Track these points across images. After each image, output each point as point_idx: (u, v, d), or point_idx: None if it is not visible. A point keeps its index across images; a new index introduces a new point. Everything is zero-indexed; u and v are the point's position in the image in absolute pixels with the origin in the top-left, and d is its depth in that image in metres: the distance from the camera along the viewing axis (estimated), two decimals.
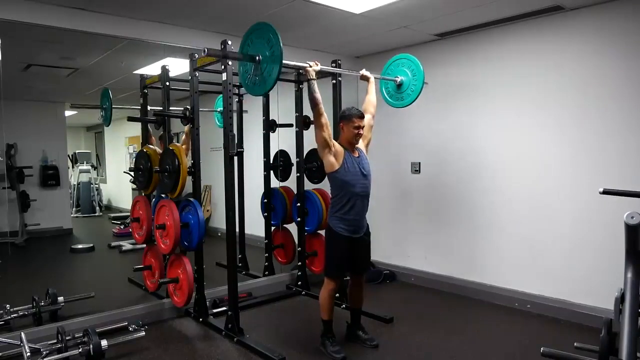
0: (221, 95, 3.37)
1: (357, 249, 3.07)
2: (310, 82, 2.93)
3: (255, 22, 2.91)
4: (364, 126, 3.04)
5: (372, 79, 3.43)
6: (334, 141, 2.96)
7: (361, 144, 3.16)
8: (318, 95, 2.91)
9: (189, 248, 3.62)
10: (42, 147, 7.63)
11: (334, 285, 3.08)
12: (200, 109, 3.77)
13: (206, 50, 2.73)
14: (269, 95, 4.81)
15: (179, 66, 4.48)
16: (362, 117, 3.03)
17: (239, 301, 3.46)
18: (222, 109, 3.52)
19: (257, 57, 2.83)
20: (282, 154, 4.71)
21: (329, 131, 2.93)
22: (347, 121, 3.01)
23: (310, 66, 3.00)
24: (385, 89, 3.73)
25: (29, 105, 7.21)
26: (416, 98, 3.57)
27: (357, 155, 3.07)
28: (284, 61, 2.71)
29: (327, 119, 2.94)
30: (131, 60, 4.76)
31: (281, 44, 2.69)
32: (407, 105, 3.66)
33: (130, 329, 3.31)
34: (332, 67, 4.05)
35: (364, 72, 3.44)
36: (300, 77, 4.45)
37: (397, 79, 3.64)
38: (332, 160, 2.95)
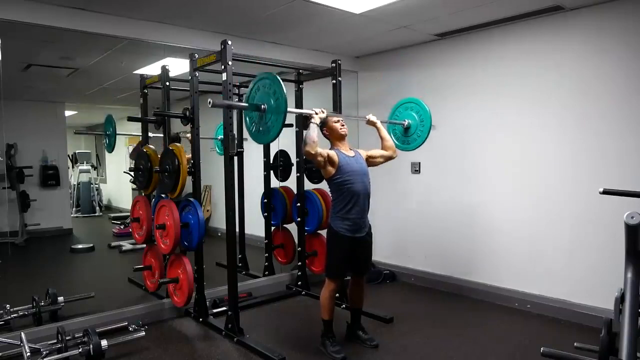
0: (222, 123, 3.39)
1: (359, 249, 3.07)
2: (312, 126, 2.88)
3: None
4: (342, 119, 3.16)
5: (378, 124, 3.33)
6: (325, 152, 2.93)
7: (362, 152, 3.19)
8: (315, 136, 2.84)
9: (189, 248, 3.62)
10: (42, 147, 7.64)
11: (334, 286, 3.08)
12: (201, 137, 3.74)
13: (211, 102, 2.71)
14: None
15: (179, 66, 4.49)
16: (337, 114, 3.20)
17: (239, 301, 3.46)
18: (222, 136, 3.53)
19: (262, 107, 2.83)
20: (282, 154, 4.71)
21: (322, 153, 2.90)
22: (327, 123, 3.13)
23: (317, 113, 2.94)
24: (393, 132, 3.64)
25: (29, 105, 7.22)
26: (423, 142, 3.50)
27: (352, 154, 3.10)
28: (289, 109, 2.73)
29: (319, 149, 2.87)
30: (131, 60, 4.76)
31: (285, 95, 2.70)
32: (414, 149, 3.58)
33: (130, 329, 3.30)
34: (331, 66, 4.06)
35: (370, 117, 3.33)
36: (300, 77, 4.46)
37: (404, 122, 3.55)
38: (329, 169, 2.97)
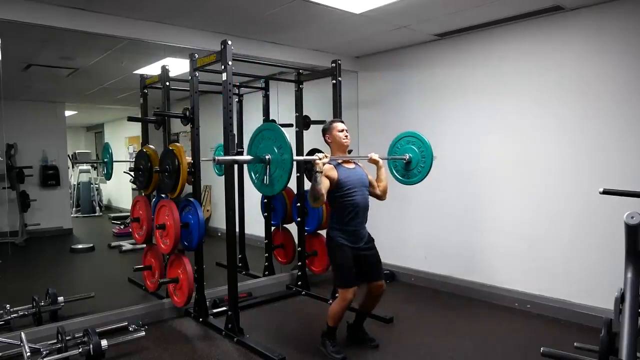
0: (220, 144, 3.38)
1: (362, 257, 3.03)
2: (316, 174, 2.81)
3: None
4: (347, 129, 3.12)
5: (381, 163, 3.22)
6: (325, 181, 2.89)
7: (363, 168, 3.17)
8: (321, 188, 2.81)
9: (189, 248, 3.62)
10: (42, 147, 7.64)
11: (350, 298, 2.94)
12: (201, 160, 3.73)
13: (215, 159, 2.75)
14: (268, 95, 4.82)
15: (179, 66, 4.49)
16: (342, 121, 3.18)
17: (239, 301, 3.46)
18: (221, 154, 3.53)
19: (267, 158, 2.81)
20: None
21: (326, 185, 2.88)
22: (330, 130, 3.11)
23: (320, 159, 2.85)
24: (394, 167, 3.59)
25: (29, 105, 7.23)
26: (425, 176, 3.42)
27: (352, 166, 3.09)
28: (293, 157, 2.71)
29: (324, 194, 2.86)
30: (131, 60, 4.76)
31: (291, 150, 2.67)
32: (415, 184, 3.50)
33: (130, 329, 3.31)
34: (331, 66, 4.06)
35: (372, 155, 3.18)
36: (300, 77, 4.46)
37: (405, 157, 3.47)
38: (328, 186, 2.93)
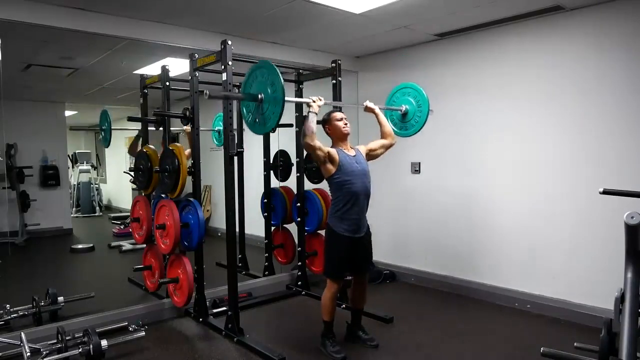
0: (220, 113, 3.36)
1: (358, 248, 3.06)
2: (311, 115, 2.91)
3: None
4: (346, 117, 3.12)
5: (377, 110, 3.32)
6: (326, 148, 2.95)
7: (362, 148, 3.18)
8: (314, 127, 2.88)
9: (189, 248, 3.62)
10: (42, 147, 7.65)
11: (337, 287, 3.06)
12: (201, 129, 3.77)
13: (207, 93, 2.68)
14: None
15: (179, 66, 4.49)
16: (340, 111, 3.19)
17: (239, 301, 3.46)
18: (219, 127, 3.51)
19: (259, 96, 2.81)
20: (282, 154, 4.72)
21: (322, 148, 2.91)
22: (330, 121, 3.10)
23: (314, 101, 2.96)
24: (390, 118, 3.59)
25: (29, 105, 7.24)
26: (421, 128, 3.45)
27: (353, 154, 3.08)
28: (286, 98, 2.70)
29: (318, 142, 2.89)
30: (131, 60, 4.77)
31: (283, 85, 2.67)
32: (412, 135, 3.52)
33: (130, 329, 3.30)
34: (331, 66, 4.06)
35: (367, 103, 3.31)
36: (300, 77, 4.46)
37: (402, 108, 3.50)
38: (329, 167, 2.96)
